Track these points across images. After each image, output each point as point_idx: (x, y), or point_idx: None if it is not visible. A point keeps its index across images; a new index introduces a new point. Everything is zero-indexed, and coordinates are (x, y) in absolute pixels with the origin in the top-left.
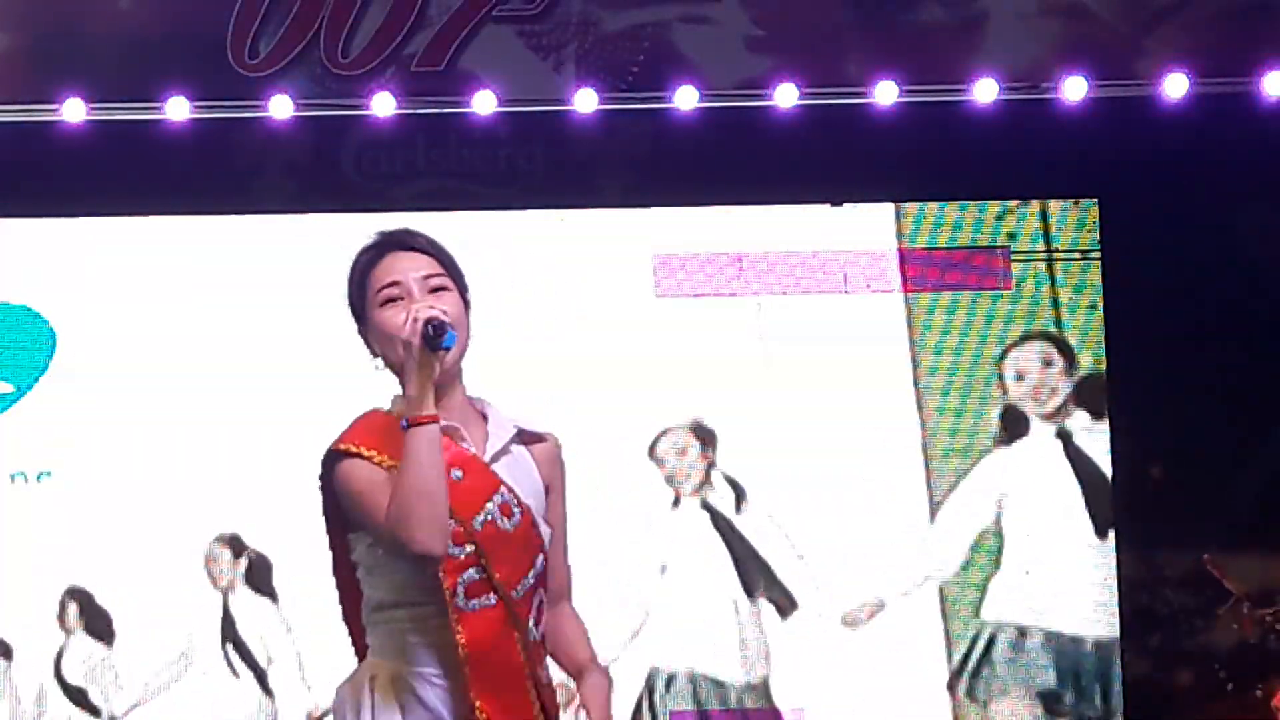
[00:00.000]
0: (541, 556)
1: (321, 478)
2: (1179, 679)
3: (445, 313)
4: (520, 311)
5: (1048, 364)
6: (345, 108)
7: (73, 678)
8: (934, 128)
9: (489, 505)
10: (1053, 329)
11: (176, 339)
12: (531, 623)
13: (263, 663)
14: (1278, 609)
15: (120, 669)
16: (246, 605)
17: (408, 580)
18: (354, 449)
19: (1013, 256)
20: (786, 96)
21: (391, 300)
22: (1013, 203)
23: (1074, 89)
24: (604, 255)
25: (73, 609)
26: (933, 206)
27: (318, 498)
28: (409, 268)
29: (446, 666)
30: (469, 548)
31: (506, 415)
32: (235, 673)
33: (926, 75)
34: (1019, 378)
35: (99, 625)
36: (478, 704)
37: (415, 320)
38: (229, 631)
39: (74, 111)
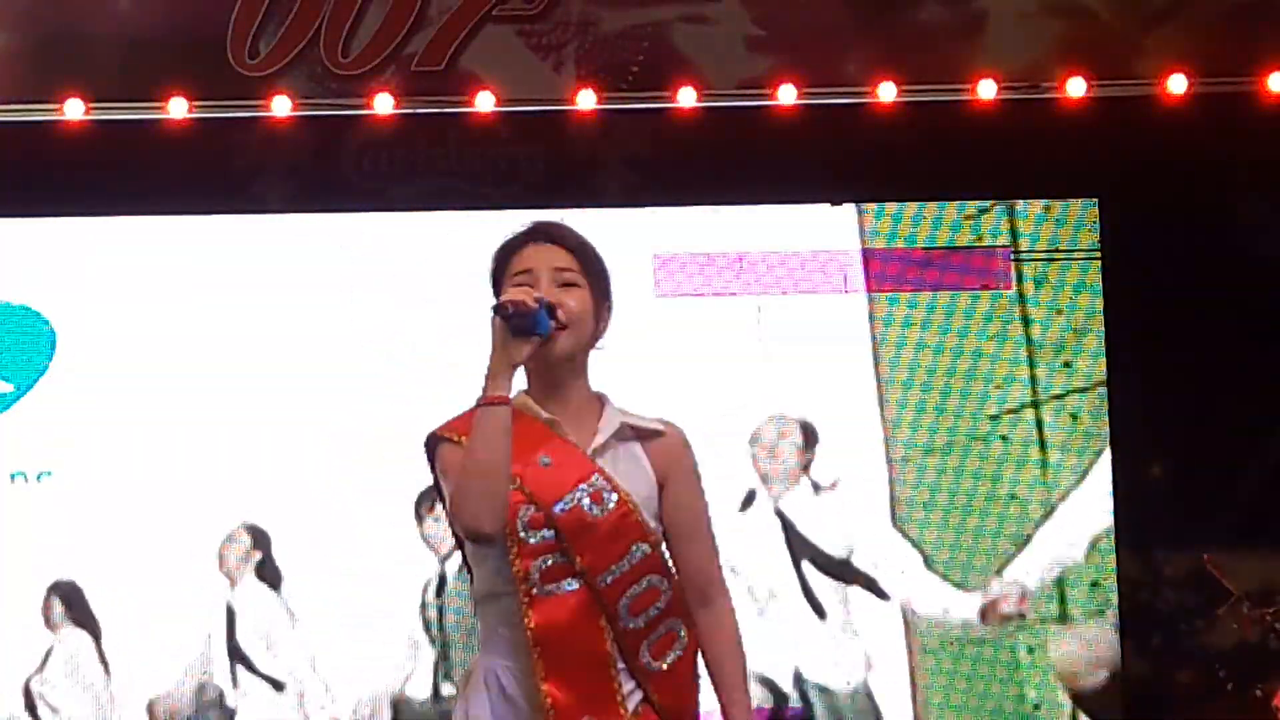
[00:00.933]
0: (642, 545)
1: (428, 463)
2: (1179, 679)
3: (558, 306)
4: None
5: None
6: (345, 108)
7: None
8: (934, 128)
9: (576, 492)
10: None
11: (176, 339)
12: (625, 610)
13: (272, 666)
14: (1278, 609)
15: (114, 667)
16: (253, 600)
17: (496, 569)
18: (447, 434)
19: (1013, 257)
20: (786, 96)
21: (520, 286)
22: (1012, 203)
23: (1074, 89)
24: (604, 255)
25: (58, 607)
26: (933, 206)
27: (317, 497)
28: (545, 258)
29: (521, 652)
30: (547, 532)
31: (620, 411)
32: (235, 682)
33: (926, 75)
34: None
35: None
36: (545, 688)
37: (499, 302)
38: (234, 631)
39: (74, 111)
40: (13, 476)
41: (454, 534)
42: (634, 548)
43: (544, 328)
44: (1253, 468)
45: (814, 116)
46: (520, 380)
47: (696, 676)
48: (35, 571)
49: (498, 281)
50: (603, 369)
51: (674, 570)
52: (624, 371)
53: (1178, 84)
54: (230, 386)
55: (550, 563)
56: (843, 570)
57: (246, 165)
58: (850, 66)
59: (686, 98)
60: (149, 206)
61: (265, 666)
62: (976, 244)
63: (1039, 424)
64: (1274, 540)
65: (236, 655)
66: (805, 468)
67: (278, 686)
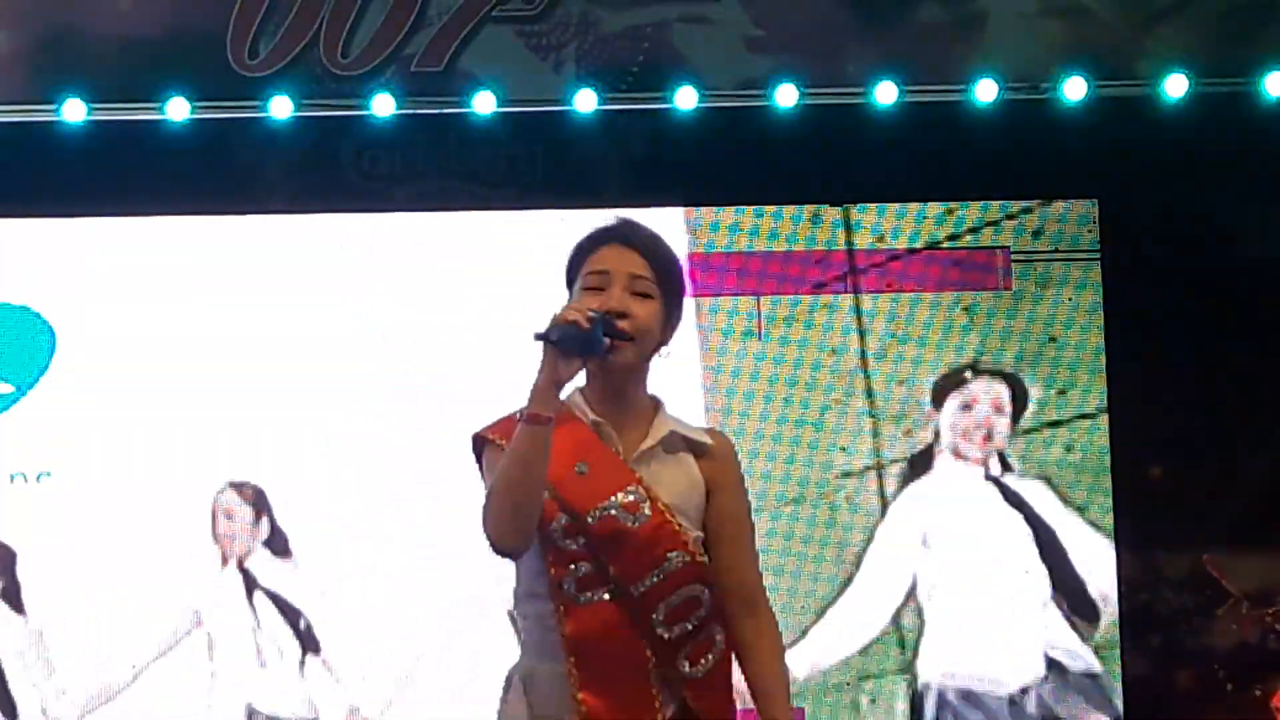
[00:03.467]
0: (679, 554)
1: (476, 462)
2: (1179, 679)
3: (628, 316)
4: (520, 311)
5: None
6: (345, 108)
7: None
8: (934, 128)
9: (610, 501)
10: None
11: (176, 339)
12: (661, 618)
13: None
14: (1277, 609)
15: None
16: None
17: (535, 572)
18: (491, 437)
19: (1013, 256)
20: (786, 96)
21: (593, 288)
22: (1013, 203)
23: (1074, 89)
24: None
25: None
26: (933, 206)
27: (317, 498)
28: (622, 263)
29: (557, 657)
30: (580, 541)
31: (672, 419)
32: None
33: (926, 75)
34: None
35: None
36: (580, 696)
37: (553, 319)
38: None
39: (74, 111)
40: (12, 477)
41: None
42: (670, 556)
43: (597, 348)
44: (1253, 468)
45: (814, 116)
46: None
47: (731, 683)
48: (35, 572)
49: (572, 276)
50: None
51: (715, 578)
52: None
53: (1178, 84)
54: (230, 387)
55: (584, 571)
56: None
57: (246, 165)
58: (850, 66)
59: (686, 98)
60: (149, 206)
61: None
62: (977, 244)
63: None
64: (1274, 540)
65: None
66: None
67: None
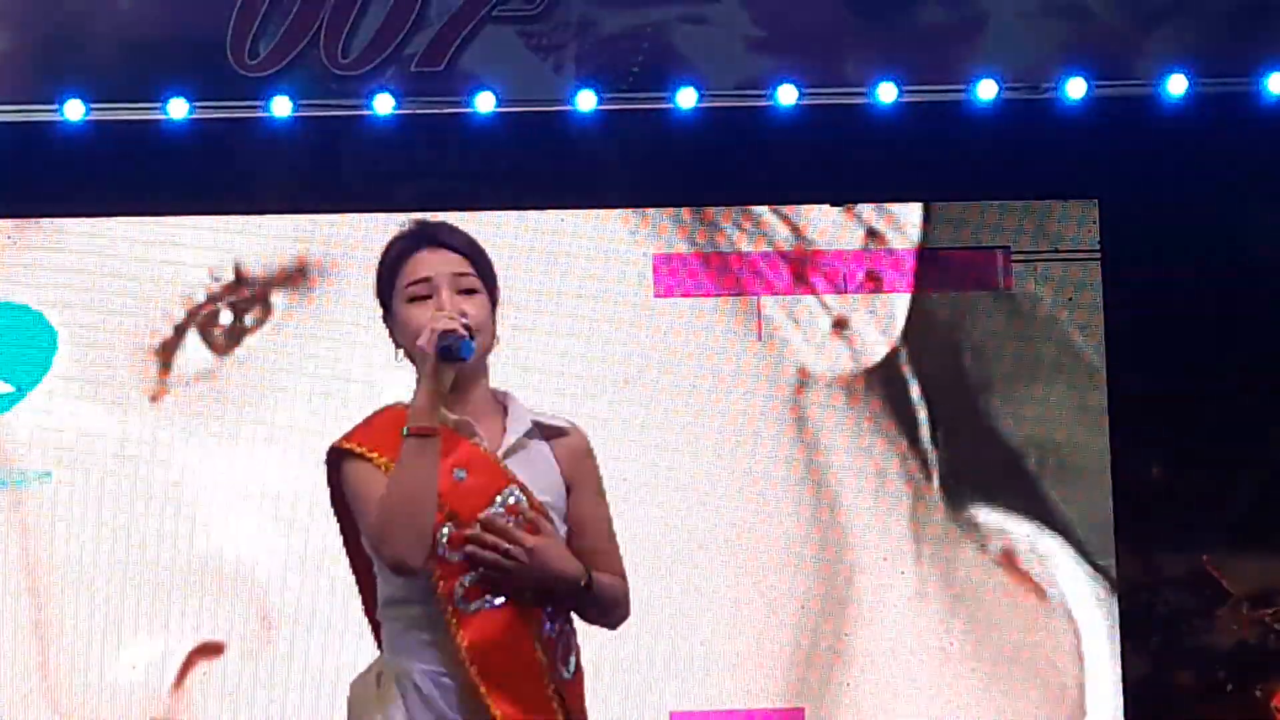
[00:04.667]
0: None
1: (328, 474)
2: (1179, 679)
3: (466, 319)
4: (519, 311)
5: None
6: (345, 108)
7: None
8: (934, 128)
9: (493, 506)
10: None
11: (176, 339)
12: (547, 620)
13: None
14: (1277, 609)
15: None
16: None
17: (404, 581)
18: (356, 449)
19: (1013, 257)
20: (786, 96)
21: (418, 298)
22: (1012, 203)
23: (1074, 89)
24: (604, 255)
25: None
26: (933, 206)
27: (316, 497)
28: (440, 265)
29: (452, 665)
30: (466, 549)
31: (526, 409)
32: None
33: (926, 75)
34: None
35: None
36: (492, 707)
37: (432, 332)
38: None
39: (74, 111)
40: (12, 477)
41: (346, 546)
42: None
43: (468, 351)
44: (1253, 468)
45: (814, 116)
46: (402, 386)
47: (584, 689)
48: (35, 573)
49: (387, 291)
50: (602, 369)
51: None
52: (624, 372)
53: (1178, 84)
54: (230, 386)
55: (472, 580)
56: None
57: (246, 165)
58: (850, 66)
59: (686, 98)
60: (149, 206)
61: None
62: (976, 245)
63: None
64: (1274, 541)
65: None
66: None
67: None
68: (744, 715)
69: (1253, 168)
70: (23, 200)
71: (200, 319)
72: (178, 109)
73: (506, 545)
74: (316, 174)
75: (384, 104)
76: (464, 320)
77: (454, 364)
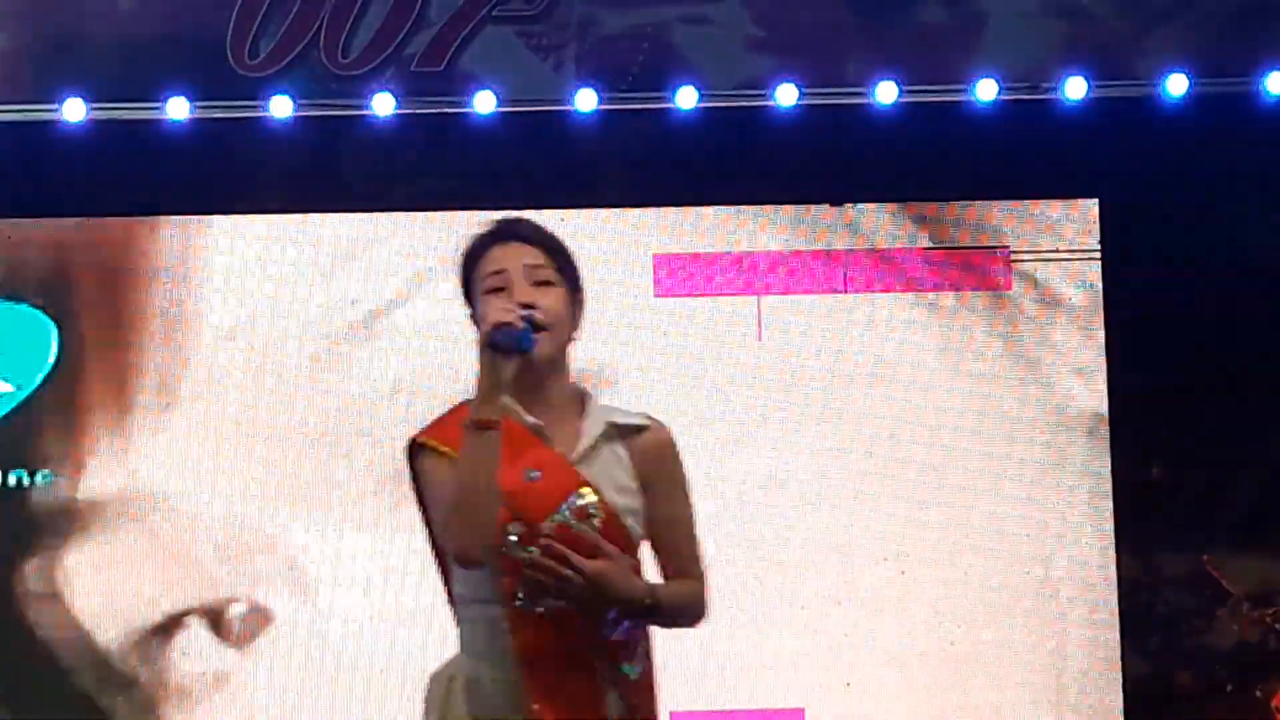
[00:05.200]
0: (625, 557)
1: (409, 468)
2: (1179, 679)
3: (531, 312)
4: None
5: None
6: (345, 108)
7: None
8: (934, 128)
9: (561, 508)
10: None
11: (176, 339)
12: (610, 621)
13: None
14: (1277, 609)
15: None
16: None
17: (478, 578)
18: (429, 442)
19: (1013, 257)
20: (786, 96)
21: (495, 289)
22: (1012, 203)
23: (1074, 89)
24: (604, 255)
25: None
26: (933, 206)
27: (315, 499)
28: (516, 258)
29: (504, 665)
30: (535, 550)
31: (604, 408)
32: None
33: (926, 75)
34: None
35: None
36: (534, 706)
37: (488, 324)
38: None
39: (74, 111)
40: (13, 477)
41: (430, 539)
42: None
43: (528, 344)
44: (1252, 468)
45: (814, 116)
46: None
47: (657, 687)
48: (35, 573)
49: (468, 285)
50: (603, 369)
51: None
52: (624, 371)
53: (1178, 84)
54: (230, 387)
55: (537, 580)
56: None
57: (246, 165)
58: (850, 66)
59: (686, 98)
60: (149, 206)
61: None
62: (976, 245)
63: None
64: (1274, 541)
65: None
66: None
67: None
68: (744, 715)
69: (1253, 168)
70: (23, 200)
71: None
72: (178, 109)
73: (565, 571)
74: (316, 174)
75: (384, 104)
76: (527, 313)
77: (511, 357)
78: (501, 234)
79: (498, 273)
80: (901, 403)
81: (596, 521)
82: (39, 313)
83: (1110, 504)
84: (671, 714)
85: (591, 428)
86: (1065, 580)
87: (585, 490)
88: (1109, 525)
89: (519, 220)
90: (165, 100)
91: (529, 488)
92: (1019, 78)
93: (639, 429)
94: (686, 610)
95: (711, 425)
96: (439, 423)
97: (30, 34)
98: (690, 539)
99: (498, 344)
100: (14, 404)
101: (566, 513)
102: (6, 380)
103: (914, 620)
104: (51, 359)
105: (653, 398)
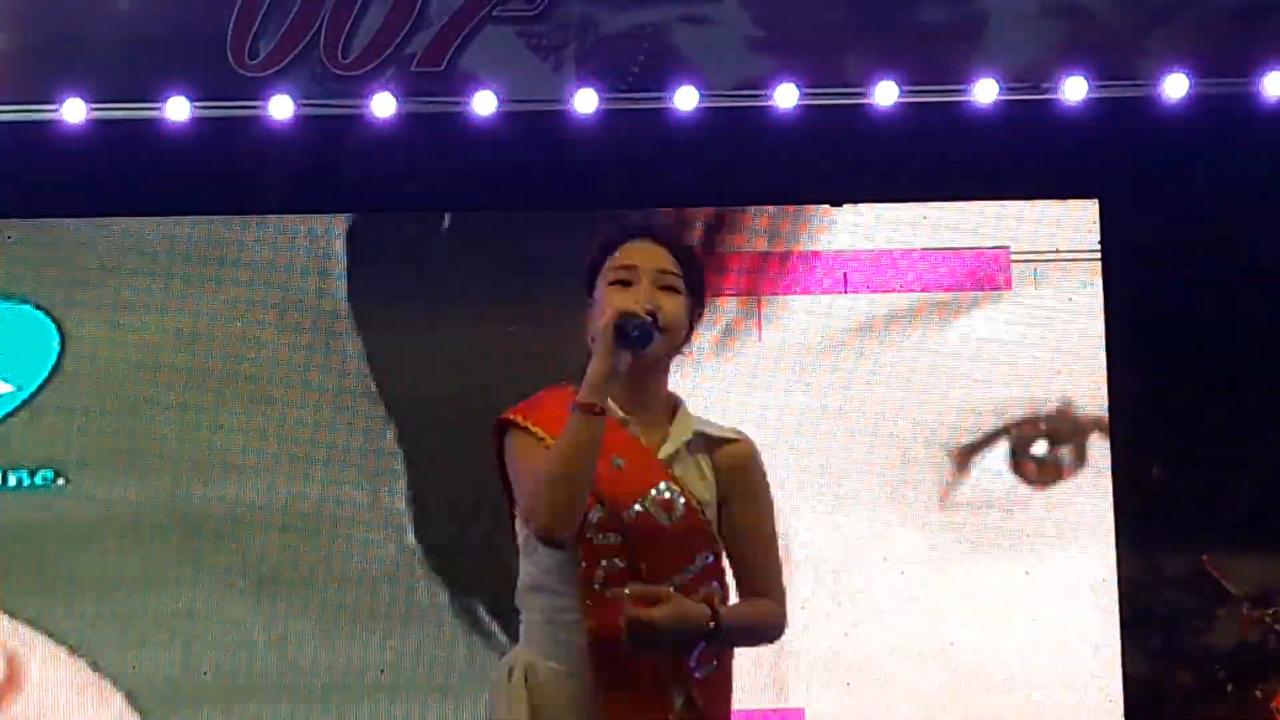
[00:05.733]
0: (707, 554)
1: (494, 445)
2: (1179, 679)
3: (657, 311)
4: (519, 312)
5: None
6: (345, 108)
7: None
8: (934, 128)
9: (646, 497)
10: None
11: (177, 339)
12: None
13: None
14: (1277, 609)
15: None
16: None
17: (553, 564)
18: (521, 421)
19: (1013, 257)
20: (786, 96)
21: (620, 283)
22: (1013, 203)
23: (1074, 89)
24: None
25: None
26: (933, 206)
27: (316, 499)
28: (648, 257)
29: (577, 661)
30: (615, 536)
31: (694, 418)
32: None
33: (926, 75)
34: None
35: None
36: (601, 694)
37: (614, 311)
38: None
39: (74, 111)
40: (13, 477)
41: (510, 520)
42: (698, 556)
43: (648, 339)
44: (1253, 468)
45: (814, 116)
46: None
47: (732, 685)
48: (35, 573)
49: (594, 273)
50: None
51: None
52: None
53: (1178, 84)
54: (230, 387)
55: (615, 566)
56: None
57: (246, 165)
58: (850, 66)
59: (686, 98)
60: (149, 206)
61: None
62: (976, 244)
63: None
64: (1274, 541)
65: None
66: None
67: None
68: (744, 715)
69: (1253, 168)
70: (23, 200)
71: None
72: (178, 109)
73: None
74: (316, 174)
75: (384, 104)
76: (652, 310)
77: (629, 348)
78: (641, 231)
79: (628, 267)
80: (901, 403)
81: (680, 512)
82: (39, 313)
83: (1110, 504)
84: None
85: (679, 433)
86: (1065, 580)
87: (668, 483)
88: (1109, 525)
89: (661, 222)
90: (165, 100)
91: (614, 474)
92: (1019, 78)
93: (725, 440)
94: (756, 632)
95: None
96: (531, 404)
97: (30, 34)
98: (768, 556)
99: (623, 331)
100: (14, 404)
101: (649, 502)
102: (6, 380)
103: (914, 620)
104: (51, 359)
105: None
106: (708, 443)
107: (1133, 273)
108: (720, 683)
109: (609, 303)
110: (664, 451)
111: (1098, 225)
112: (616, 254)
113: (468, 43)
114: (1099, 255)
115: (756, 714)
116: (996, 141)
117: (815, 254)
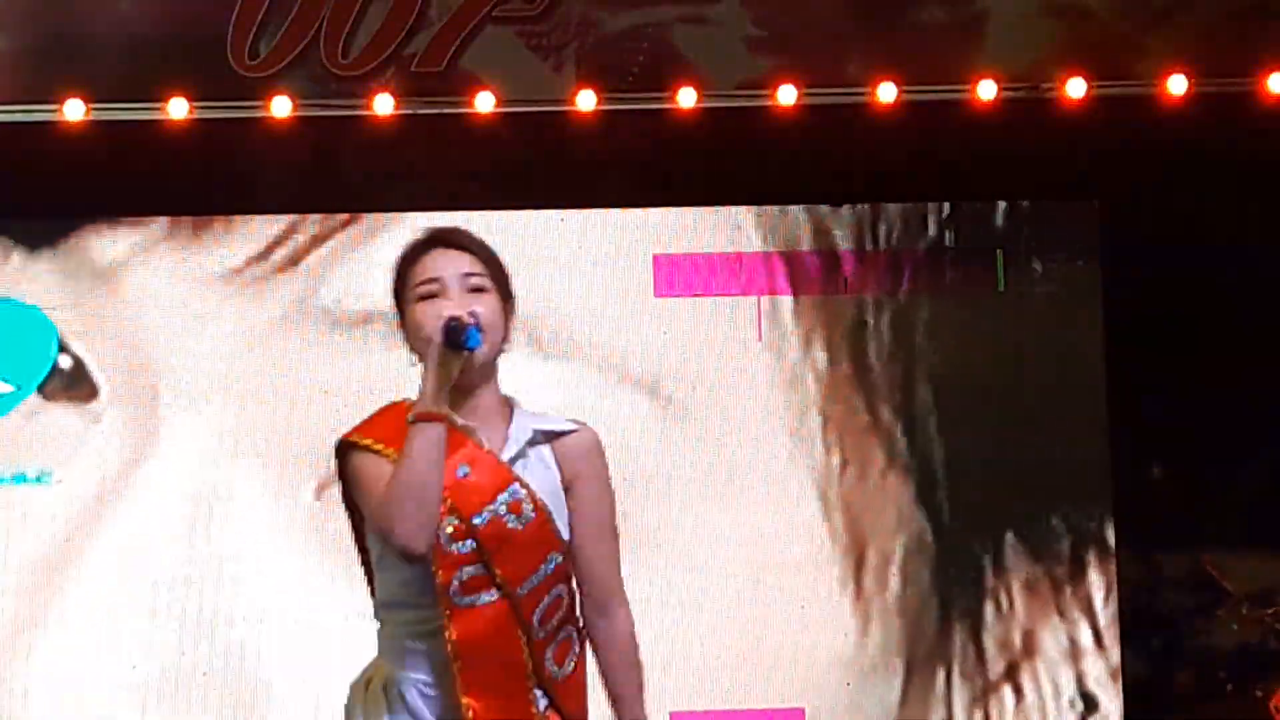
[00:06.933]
0: (556, 555)
1: (338, 468)
2: (1179, 679)
3: (475, 314)
4: (519, 312)
5: None
6: (345, 108)
7: None
8: (934, 128)
9: (495, 503)
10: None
11: (177, 339)
12: (537, 620)
13: None
14: (1277, 609)
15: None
16: None
17: (409, 578)
18: (363, 441)
19: (1012, 257)
20: (786, 96)
21: (428, 297)
22: (1012, 203)
23: (1074, 89)
24: (604, 255)
25: None
26: (932, 206)
27: (315, 500)
28: (449, 265)
29: (438, 671)
30: (469, 544)
31: (531, 416)
32: None
33: (926, 75)
34: None
35: None
36: (466, 701)
37: (440, 318)
38: None
39: (74, 111)
40: (13, 477)
41: (356, 542)
42: (549, 558)
43: (477, 341)
44: (1253, 468)
45: (814, 116)
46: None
47: (586, 682)
48: (36, 573)
49: (400, 292)
50: (603, 369)
51: (574, 576)
52: (624, 371)
53: (1178, 84)
54: (230, 387)
55: (470, 574)
56: None
57: (246, 165)
58: (850, 66)
59: (686, 98)
60: (149, 206)
61: None
62: (976, 244)
63: None
64: (1274, 541)
65: None
66: None
67: None
68: (744, 715)
69: (1253, 168)
70: (23, 200)
71: None
72: (178, 109)
73: None
74: (316, 174)
75: (384, 104)
76: (474, 312)
77: (460, 353)
78: (436, 241)
79: (432, 280)
80: (901, 402)
81: (529, 515)
82: (39, 313)
83: (1110, 503)
84: (671, 714)
85: (518, 434)
86: (1064, 580)
87: (516, 485)
88: (1109, 525)
89: (454, 229)
90: (165, 100)
91: (462, 483)
92: (1019, 78)
93: (564, 432)
94: (641, 682)
95: (711, 425)
96: (369, 423)
97: (30, 34)
98: (607, 538)
99: (451, 335)
100: (14, 404)
101: (500, 508)
102: (6, 380)
103: (913, 620)
104: (51, 359)
105: (653, 397)
106: (548, 437)
107: (1133, 273)
108: (578, 682)
109: (425, 318)
110: (507, 453)
111: (1098, 225)
112: (417, 267)
113: (468, 43)
114: (1099, 255)
115: (756, 714)
116: (996, 141)
117: (815, 254)
